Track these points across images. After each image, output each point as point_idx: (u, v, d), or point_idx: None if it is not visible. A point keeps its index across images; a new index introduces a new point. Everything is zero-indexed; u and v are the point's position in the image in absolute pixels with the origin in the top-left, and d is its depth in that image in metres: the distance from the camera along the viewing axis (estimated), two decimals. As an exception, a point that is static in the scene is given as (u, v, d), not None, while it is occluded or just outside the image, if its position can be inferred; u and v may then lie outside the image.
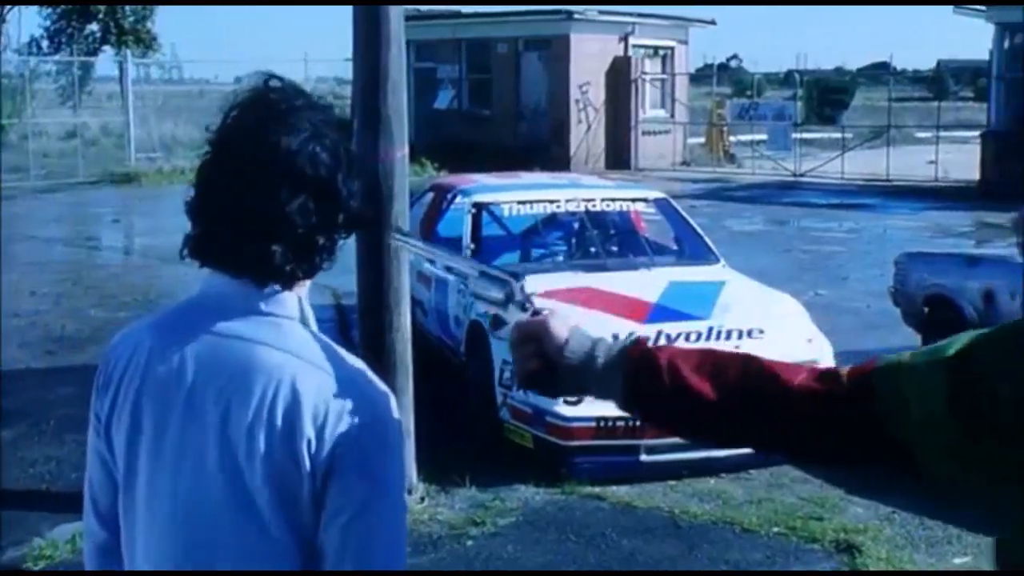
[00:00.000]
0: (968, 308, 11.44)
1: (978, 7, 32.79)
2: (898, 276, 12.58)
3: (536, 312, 2.44)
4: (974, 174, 31.51)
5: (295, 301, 2.46)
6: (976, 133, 33.31)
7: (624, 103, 37.66)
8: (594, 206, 11.60)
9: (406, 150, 8.37)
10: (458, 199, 12.44)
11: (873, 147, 37.12)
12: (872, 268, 17.45)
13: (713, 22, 43.34)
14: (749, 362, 2.34)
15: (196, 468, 2.35)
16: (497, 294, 2.49)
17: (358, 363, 2.48)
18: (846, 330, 12.90)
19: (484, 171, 15.36)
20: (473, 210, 11.63)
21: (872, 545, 7.76)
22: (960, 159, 32.37)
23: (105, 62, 44.82)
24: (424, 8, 39.67)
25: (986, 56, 33.54)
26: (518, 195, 12.15)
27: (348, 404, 2.34)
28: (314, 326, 2.50)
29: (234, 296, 2.41)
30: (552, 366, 2.36)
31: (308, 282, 2.51)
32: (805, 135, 39.65)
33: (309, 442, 2.28)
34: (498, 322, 2.61)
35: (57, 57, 43.46)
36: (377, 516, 2.31)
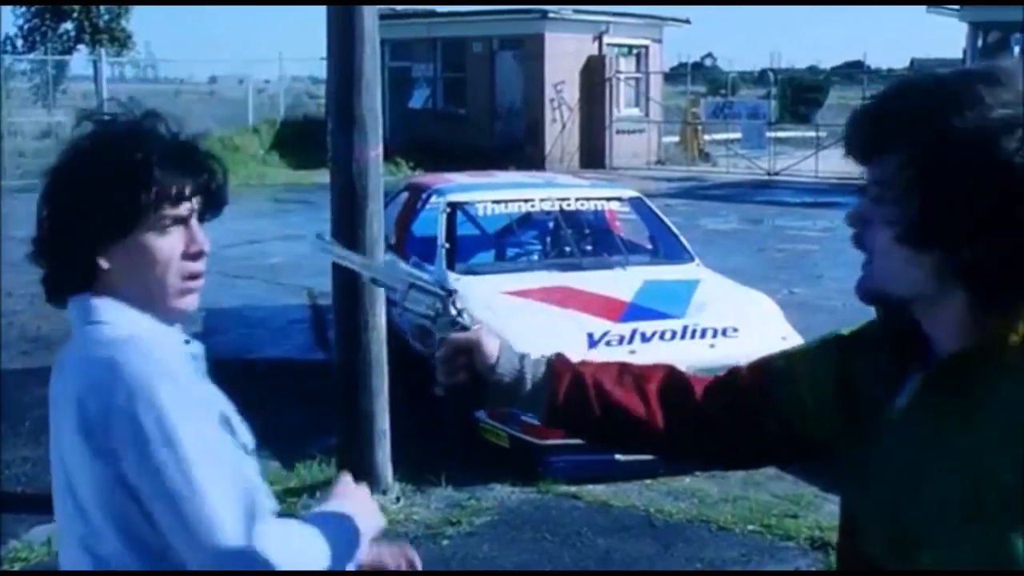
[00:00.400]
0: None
1: (952, 6, 32.92)
2: (872, 274, 12.64)
3: (464, 327, 2.52)
4: (947, 172, 31.61)
5: (109, 307, 2.46)
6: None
7: (599, 102, 37.69)
8: (569, 205, 11.61)
9: (380, 149, 8.36)
10: (433, 199, 12.44)
11: (847, 146, 37.20)
12: (846, 267, 17.33)
13: (688, 21, 43.38)
14: (668, 372, 2.61)
15: (55, 466, 2.47)
16: (428, 308, 2.55)
17: (109, 346, 2.40)
18: (821, 328, 12.75)
19: (459, 170, 15.37)
20: (448, 210, 11.63)
21: (847, 543, 7.79)
22: (934, 157, 32.45)
23: (80, 61, 44.69)
24: (399, 7, 39.64)
25: (960, 55, 33.67)
26: (493, 194, 12.16)
27: (102, 387, 2.31)
28: (146, 327, 2.48)
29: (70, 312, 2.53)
30: (479, 380, 2.49)
31: (131, 289, 2.50)
32: (779, 134, 39.74)
33: (88, 432, 2.31)
34: (424, 334, 2.60)
35: (31, 56, 43.28)
36: (161, 481, 2.27)
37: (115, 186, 2.40)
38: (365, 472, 8.37)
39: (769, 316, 10.10)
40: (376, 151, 8.27)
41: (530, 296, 9.79)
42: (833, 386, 2.35)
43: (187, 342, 2.56)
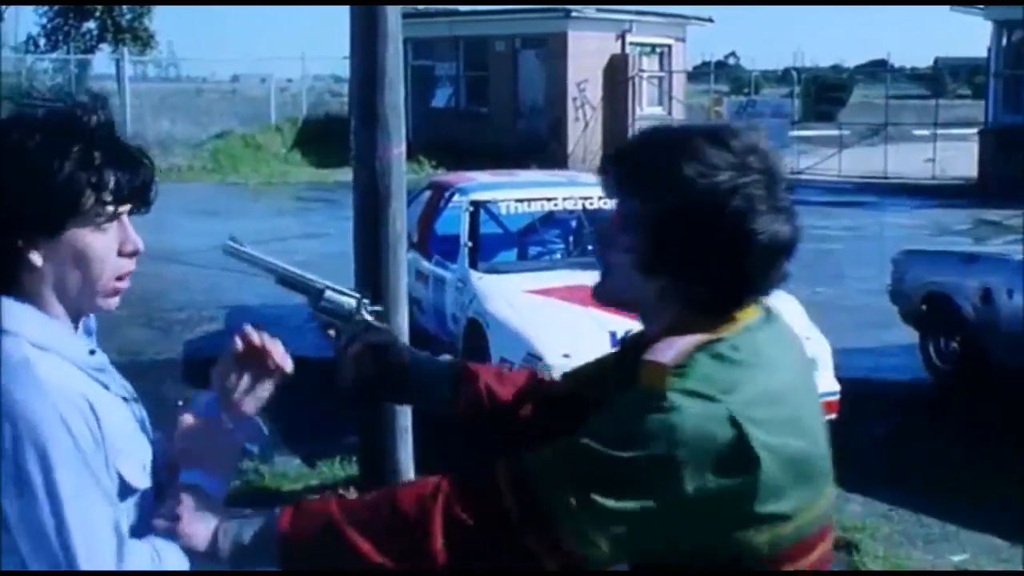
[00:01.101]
0: (966, 306, 11.46)
1: (976, 5, 32.80)
2: (896, 274, 12.59)
3: (376, 329, 2.87)
4: (972, 172, 31.55)
5: (13, 312, 2.36)
6: (974, 130, 33.33)
7: (621, 101, 37.64)
8: (592, 204, 11.56)
9: (403, 148, 8.35)
10: (456, 197, 12.43)
11: (871, 145, 37.14)
12: (870, 266, 17.42)
13: (711, 20, 43.32)
14: (530, 375, 3.07)
15: None
16: (342, 310, 2.85)
17: (20, 375, 2.28)
18: (844, 328, 12.90)
19: (481, 169, 15.35)
20: (471, 208, 11.62)
21: (870, 543, 7.78)
22: (958, 157, 32.40)
23: (102, 60, 44.78)
24: (421, 6, 39.64)
25: (984, 53, 33.55)
26: (515, 193, 12.14)
27: None
28: (51, 341, 2.37)
29: None
30: (386, 375, 2.89)
31: (40, 291, 2.40)
32: (802, 133, 39.62)
33: None
34: (337, 333, 2.89)
35: (54, 55, 43.44)
36: (36, 532, 2.22)
37: (52, 180, 2.33)
38: (387, 470, 8.37)
39: (793, 315, 10.04)
40: (399, 149, 8.26)
41: (553, 295, 9.77)
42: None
43: (92, 352, 2.47)
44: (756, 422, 2.30)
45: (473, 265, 11.00)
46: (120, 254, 2.44)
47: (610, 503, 2.27)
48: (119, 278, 2.46)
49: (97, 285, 2.42)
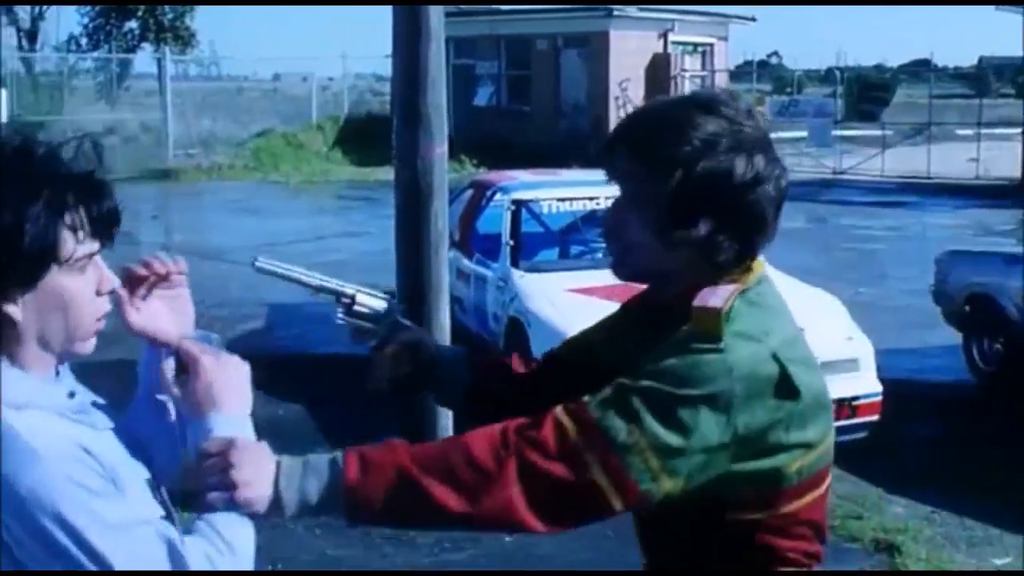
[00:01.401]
0: (1009, 306, 11.39)
1: (1019, 6, 32.61)
2: (939, 275, 12.52)
3: (407, 328, 2.97)
4: (1016, 172, 31.34)
5: None
6: (1017, 130, 33.05)
7: (663, 100, 37.56)
8: (634, 203, 11.54)
9: (445, 147, 8.37)
10: (497, 196, 12.44)
11: (914, 144, 36.91)
12: (912, 266, 17.34)
13: (753, 19, 43.27)
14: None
15: None
16: (376, 312, 2.94)
17: (22, 450, 2.17)
18: (886, 329, 12.84)
19: (523, 168, 15.35)
20: (512, 207, 11.63)
21: (912, 545, 7.73)
22: (1001, 156, 32.17)
23: (143, 59, 44.99)
24: (464, 5, 39.67)
25: (1027, 53, 33.33)
26: (557, 192, 12.14)
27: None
28: (27, 397, 2.25)
29: None
30: (420, 372, 2.99)
31: (18, 346, 2.29)
32: (845, 132, 39.44)
33: None
34: (366, 334, 2.99)
35: (96, 54, 43.62)
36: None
37: (27, 228, 2.20)
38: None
39: (835, 316, 10.03)
40: (441, 148, 8.28)
41: (594, 294, 9.76)
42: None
43: (71, 395, 2.36)
44: (791, 360, 2.57)
45: (515, 264, 11.00)
46: (98, 294, 2.34)
47: (674, 439, 2.44)
48: (99, 319, 2.36)
49: (79, 331, 2.33)
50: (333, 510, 2.40)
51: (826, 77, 56.73)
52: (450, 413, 8.33)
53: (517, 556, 7.55)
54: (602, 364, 2.77)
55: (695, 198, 2.57)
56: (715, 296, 2.58)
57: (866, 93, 54.38)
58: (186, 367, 2.40)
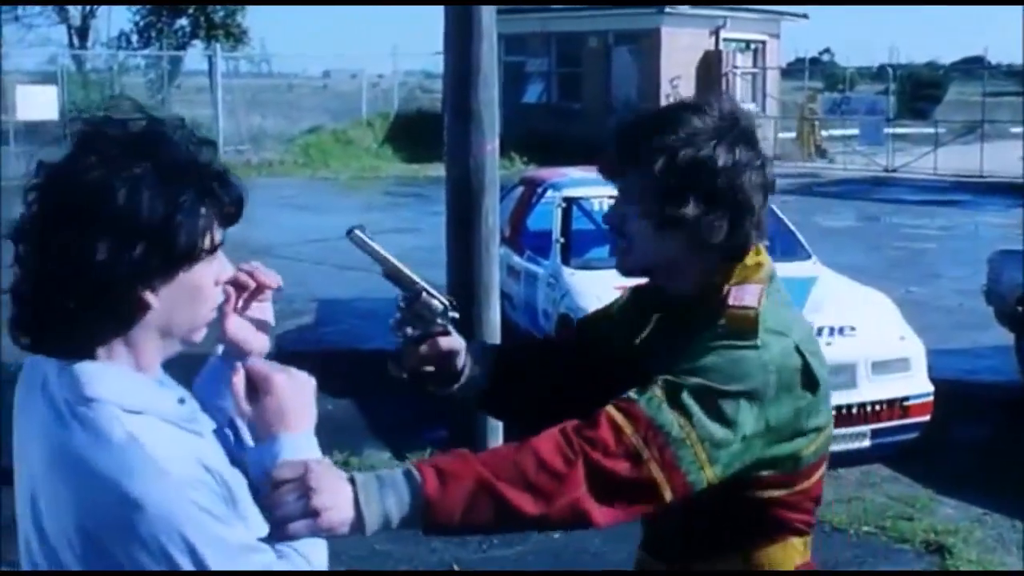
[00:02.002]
0: (1063, 307, 11.29)
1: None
2: (991, 274, 12.42)
3: (448, 335, 3.05)
4: (1069, 170, 31.09)
5: (105, 376, 2.19)
6: (1072, 129, 32.86)
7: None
8: (684, 201, 11.50)
9: (496, 144, 8.38)
10: (548, 193, 12.43)
11: (966, 142, 36.67)
12: (965, 266, 17.25)
13: (805, 16, 43.07)
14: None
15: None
16: (431, 311, 3.02)
17: (146, 460, 2.11)
18: (938, 328, 12.77)
19: (573, 165, 15.33)
20: (563, 204, 11.62)
21: (963, 547, 7.69)
22: (1055, 155, 31.92)
23: (194, 56, 45.16)
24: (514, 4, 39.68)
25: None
26: (608, 189, 12.02)
27: (121, 522, 2.08)
28: (144, 402, 2.20)
29: (48, 370, 2.25)
30: (443, 374, 3.11)
31: (140, 349, 2.25)
32: (897, 130, 39.21)
33: (82, 557, 2.11)
34: (410, 325, 3.05)
35: (146, 51, 43.83)
36: None
37: (182, 216, 2.17)
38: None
39: (887, 315, 9.98)
40: (492, 145, 8.29)
41: (643, 292, 9.75)
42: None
43: (182, 401, 2.31)
44: (810, 352, 2.81)
45: (565, 261, 10.99)
46: (215, 283, 2.33)
47: (719, 432, 2.64)
48: (213, 308, 2.35)
49: (200, 320, 2.31)
50: (412, 524, 2.44)
51: (878, 74, 56.43)
52: (499, 410, 8.34)
53: (566, 553, 7.56)
54: (616, 349, 3.06)
55: (681, 181, 2.78)
56: (748, 295, 2.83)
57: (918, 91, 54.12)
58: (256, 386, 2.37)
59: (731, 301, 2.81)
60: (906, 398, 9.20)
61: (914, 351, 9.42)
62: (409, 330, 3.03)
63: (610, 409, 2.63)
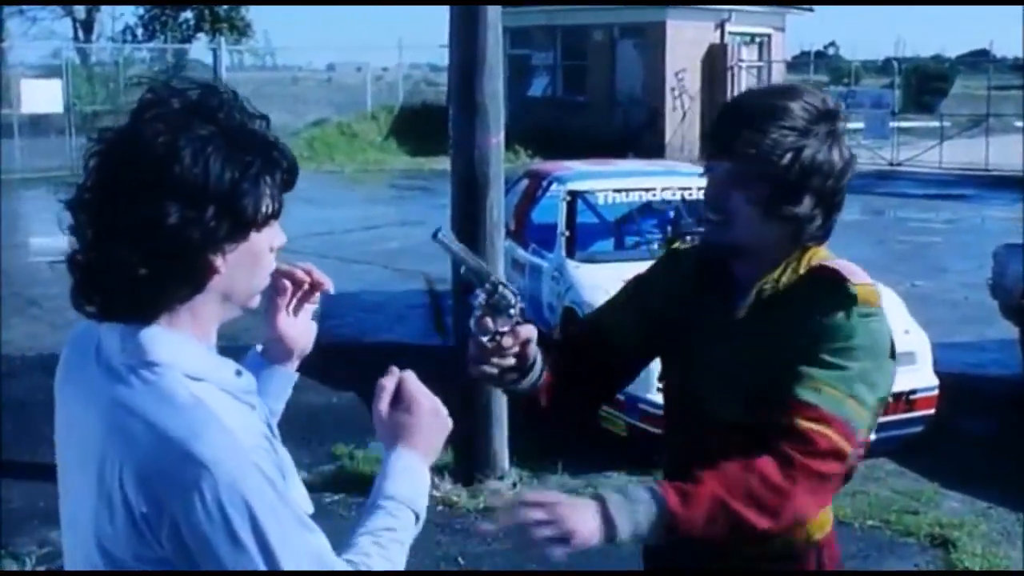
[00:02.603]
0: (1068, 301, 11.27)
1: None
2: (996, 268, 12.40)
3: (526, 324, 3.09)
4: (1076, 164, 31.05)
5: (168, 341, 2.18)
6: (1078, 122, 32.80)
7: (720, 90, 37.38)
8: (690, 194, 11.49)
9: (502, 137, 8.37)
10: (553, 186, 12.42)
11: (972, 136, 36.65)
12: (970, 260, 17.23)
13: (811, 9, 43.00)
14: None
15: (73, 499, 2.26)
16: (507, 303, 3.03)
17: (211, 421, 2.10)
18: (943, 322, 12.77)
19: (578, 158, 15.33)
20: (568, 197, 11.61)
21: (968, 540, 7.68)
22: (1062, 149, 31.89)
23: (198, 49, 45.24)
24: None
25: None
26: (613, 183, 12.12)
27: (185, 483, 2.04)
28: (206, 369, 2.21)
29: (106, 334, 2.23)
30: (517, 368, 3.13)
31: (201, 316, 2.24)
32: (903, 124, 39.17)
33: (147, 520, 2.07)
34: (491, 320, 3.06)
35: (151, 45, 43.88)
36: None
37: (248, 184, 2.18)
38: (482, 458, 8.41)
39: (892, 308, 9.93)
40: (497, 138, 8.28)
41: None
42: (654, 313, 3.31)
43: (239, 373, 2.29)
44: None
45: (570, 254, 10.99)
46: (271, 250, 2.32)
47: (873, 400, 2.94)
48: (267, 275, 2.36)
49: (257, 286, 2.32)
50: (654, 535, 2.75)
51: (884, 68, 56.53)
52: (504, 403, 8.36)
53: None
54: (678, 334, 3.25)
55: (800, 180, 2.95)
56: (857, 271, 3.09)
57: (924, 84, 54.07)
58: (402, 397, 2.49)
59: (850, 277, 3.04)
60: (911, 392, 9.18)
61: (919, 345, 9.41)
62: (491, 323, 3.05)
63: (804, 423, 2.86)
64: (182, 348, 2.19)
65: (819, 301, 3.00)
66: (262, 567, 2.07)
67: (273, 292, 2.53)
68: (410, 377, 2.50)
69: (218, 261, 2.17)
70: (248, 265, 2.25)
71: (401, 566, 2.35)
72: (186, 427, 2.06)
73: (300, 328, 2.61)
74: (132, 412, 2.10)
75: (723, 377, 3.10)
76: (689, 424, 3.26)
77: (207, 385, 2.17)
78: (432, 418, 2.47)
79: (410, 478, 2.42)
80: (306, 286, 2.56)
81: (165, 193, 2.08)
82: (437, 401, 2.48)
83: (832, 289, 3.01)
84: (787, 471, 2.79)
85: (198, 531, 2.04)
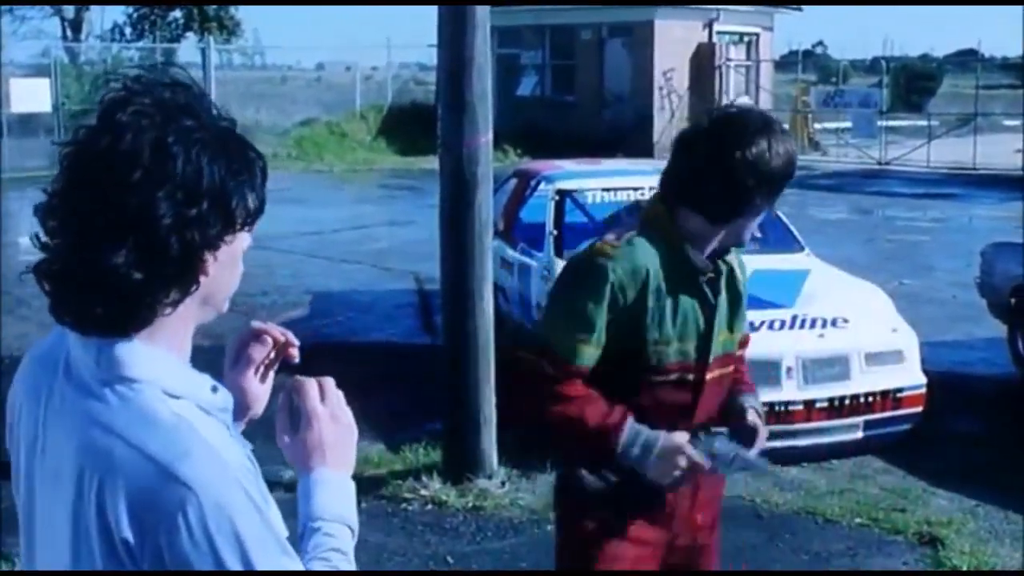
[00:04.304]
0: (1056, 299, 11.31)
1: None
2: (984, 267, 12.45)
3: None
4: (1063, 163, 31.10)
5: (146, 357, 2.07)
6: (1065, 121, 32.85)
7: (708, 90, 37.44)
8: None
9: (490, 136, 8.37)
10: (541, 186, 12.42)
11: (960, 135, 36.72)
12: (958, 258, 17.28)
13: (799, 8, 43.05)
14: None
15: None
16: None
17: (197, 441, 2.01)
18: (931, 320, 12.79)
19: (567, 158, 15.34)
20: (556, 197, 11.61)
21: (955, 538, 7.69)
22: (1049, 148, 31.93)
23: (187, 48, 45.16)
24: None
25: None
26: (601, 182, 12.12)
27: (169, 505, 1.94)
28: (183, 386, 2.09)
29: (77, 350, 2.11)
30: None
31: (176, 329, 2.13)
32: (891, 123, 39.24)
33: (127, 545, 1.97)
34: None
35: (140, 44, 43.80)
36: None
37: (237, 174, 2.09)
38: (471, 458, 8.41)
39: (880, 307, 9.98)
40: (486, 138, 8.28)
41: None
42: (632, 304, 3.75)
43: (215, 390, 2.16)
44: None
45: (558, 253, 10.98)
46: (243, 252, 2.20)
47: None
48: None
49: (232, 289, 2.21)
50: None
51: (872, 67, 56.57)
52: (493, 402, 8.37)
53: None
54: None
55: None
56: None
57: (912, 83, 54.16)
58: (300, 415, 2.34)
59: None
60: (899, 390, 9.20)
61: (907, 343, 9.43)
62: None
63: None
64: (161, 364, 2.08)
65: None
66: None
67: (251, 346, 2.46)
68: (303, 388, 2.33)
69: (210, 262, 2.08)
70: (230, 267, 2.15)
71: None
72: (169, 448, 1.97)
73: (262, 389, 2.48)
74: (110, 431, 2.00)
75: (688, 331, 3.92)
76: None
77: (185, 403, 2.06)
78: (334, 428, 2.34)
79: (333, 494, 2.32)
80: (280, 347, 2.45)
81: (157, 191, 1.97)
82: (336, 405, 2.36)
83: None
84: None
85: (181, 555, 1.95)
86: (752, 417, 3.98)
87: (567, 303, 3.79)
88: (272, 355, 2.47)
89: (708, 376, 3.87)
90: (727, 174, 3.66)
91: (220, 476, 1.98)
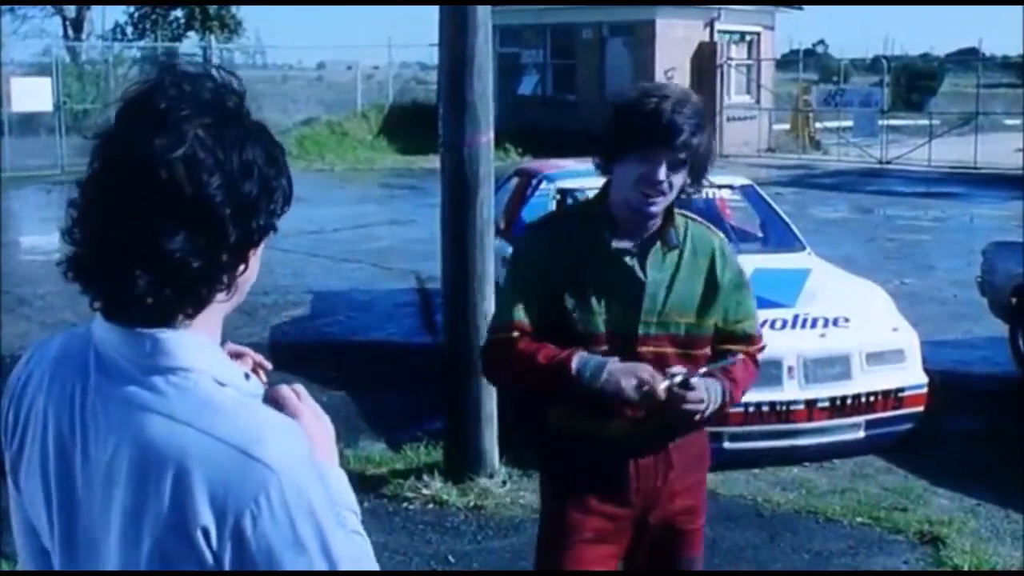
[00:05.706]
0: (1057, 298, 11.31)
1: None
2: (985, 266, 12.44)
3: None
4: (1064, 162, 31.08)
5: (194, 346, 2.06)
6: (1066, 120, 32.83)
7: (709, 89, 37.34)
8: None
9: (491, 135, 8.37)
10: (543, 185, 12.42)
11: (961, 134, 36.71)
12: (959, 257, 17.28)
13: (800, 7, 43.03)
14: None
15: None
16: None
17: (266, 422, 2.02)
18: (932, 319, 12.79)
19: (568, 157, 15.34)
20: (557, 196, 11.61)
21: (956, 537, 7.69)
22: (1050, 147, 31.91)
23: (189, 47, 45.12)
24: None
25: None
26: (602, 181, 12.09)
27: (250, 487, 1.93)
28: (228, 374, 2.10)
29: (118, 344, 2.06)
30: None
31: (213, 318, 2.12)
32: (892, 122, 39.20)
33: (206, 532, 1.94)
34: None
35: (141, 43, 43.79)
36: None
37: (286, 180, 2.15)
38: (472, 456, 8.41)
39: (880, 306, 9.98)
40: (487, 137, 8.28)
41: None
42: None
43: (247, 377, 2.18)
44: None
45: (559, 252, 10.98)
46: None
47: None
48: None
49: (251, 283, 2.21)
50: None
51: (872, 66, 56.46)
52: (495, 403, 8.37)
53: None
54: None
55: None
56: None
57: (913, 82, 54.15)
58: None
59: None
60: (900, 389, 9.20)
61: (908, 342, 9.42)
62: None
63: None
64: (208, 352, 2.09)
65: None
66: (325, 568, 1.98)
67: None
68: (281, 393, 2.25)
69: (252, 255, 2.12)
70: (255, 262, 2.16)
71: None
72: (242, 431, 1.97)
73: None
74: (174, 420, 1.98)
75: (616, 309, 4.18)
76: None
77: (231, 389, 2.06)
78: (319, 424, 2.30)
79: (335, 484, 2.24)
80: (253, 367, 2.42)
81: (214, 179, 1.99)
82: (312, 403, 2.33)
83: None
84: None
85: (263, 536, 1.93)
86: (696, 382, 3.97)
87: (502, 284, 4.36)
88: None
89: (640, 350, 4.03)
90: (603, 125, 4.40)
91: (295, 455, 1.99)
